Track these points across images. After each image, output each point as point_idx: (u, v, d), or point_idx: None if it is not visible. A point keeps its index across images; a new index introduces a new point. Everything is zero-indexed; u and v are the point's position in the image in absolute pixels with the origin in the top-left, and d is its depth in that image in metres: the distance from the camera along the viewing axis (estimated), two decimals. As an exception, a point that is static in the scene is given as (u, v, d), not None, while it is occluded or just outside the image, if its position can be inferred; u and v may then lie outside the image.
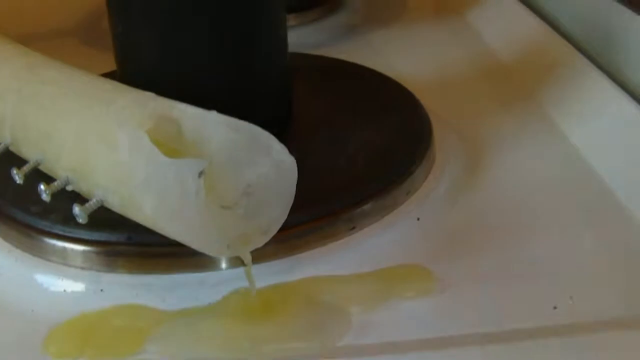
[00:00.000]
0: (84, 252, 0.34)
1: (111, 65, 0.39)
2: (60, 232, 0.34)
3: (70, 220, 0.32)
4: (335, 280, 0.33)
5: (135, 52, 0.38)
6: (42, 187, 0.33)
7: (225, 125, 0.30)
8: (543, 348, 0.29)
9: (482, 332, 0.30)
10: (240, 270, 0.32)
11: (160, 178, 0.29)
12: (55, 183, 0.33)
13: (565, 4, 0.55)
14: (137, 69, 0.38)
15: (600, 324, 0.29)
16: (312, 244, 0.34)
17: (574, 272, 0.32)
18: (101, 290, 0.33)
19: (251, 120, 0.30)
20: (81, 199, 0.32)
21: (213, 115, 0.30)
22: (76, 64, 0.36)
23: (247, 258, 0.31)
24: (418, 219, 0.36)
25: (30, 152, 0.35)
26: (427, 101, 0.43)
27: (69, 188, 0.33)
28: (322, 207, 0.34)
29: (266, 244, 0.31)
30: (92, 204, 0.32)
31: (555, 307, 0.30)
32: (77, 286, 0.33)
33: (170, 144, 0.30)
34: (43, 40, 0.59)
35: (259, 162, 0.30)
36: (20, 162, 0.35)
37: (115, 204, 0.32)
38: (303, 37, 0.57)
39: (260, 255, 0.31)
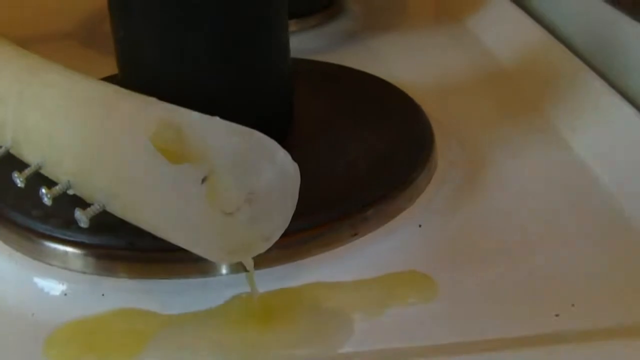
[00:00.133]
0: (85, 256, 0.34)
1: (112, 69, 0.39)
2: (62, 236, 0.34)
3: (72, 224, 0.33)
4: (337, 287, 0.33)
5: (137, 56, 0.38)
6: (43, 190, 0.33)
7: (228, 130, 0.30)
8: (545, 356, 0.29)
9: (484, 339, 0.30)
10: (242, 275, 0.32)
11: (162, 183, 0.29)
12: (57, 187, 0.33)
13: (566, 11, 0.55)
14: (138, 73, 0.38)
15: (602, 331, 0.29)
16: (314, 250, 0.34)
17: (576, 279, 0.32)
18: (102, 294, 0.33)
19: (252, 123, 0.30)
20: (83, 203, 0.32)
21: (216, 121, 0.30)
22: (77, 66, 0.36)
23: (249, 264, 0.31)
24: (420, 226, 0.36)
25: (32, 156, 0.35)
26: (428, 107, 0.43)
27: (71, 192, 0.33)
28: (324, 214, 0.34)
29: (268, 250, 0.31)
30: (93, 209, 0.32)
31: (557, 315, 0.30)
32: (78, 290, 0.33)
33: (173, 149, 0.30)
34: (44, 43, 0.59)
35: (262, 169, 0.30)
36: (21, 165, 0.35)
37: (117, 209, 0.32)
38: (304, 43, 0.57)
39: (262, 261, 0.31)
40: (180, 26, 0.36)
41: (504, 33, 0.56)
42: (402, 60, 0.55)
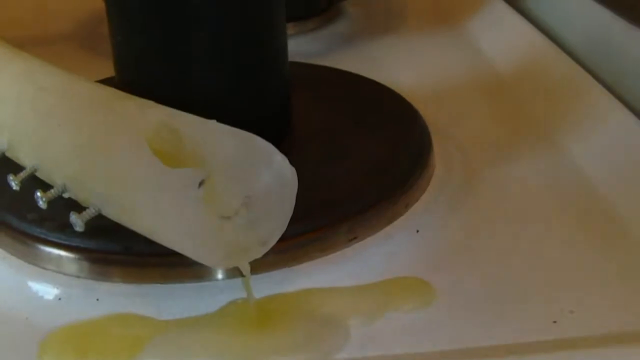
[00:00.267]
0: (79, 260, 0.33)
1: (110, 71, 0.39)
2: (56, 240, 0.34)
3: (67, 228, 0.32)
4: (333, 292, 0.32)
5: (135, 60, 0.38)
6: (38, 194, 0.32)
7: (226, 134, 0.30)
8: (543, 363, 0.29)
9: (482, 345, 0.29)
10: (238, 280, 0.32)
11: (159, 187, 0.29)
12: (52, 190, 0.33)
13: (564, 16, 0.55)
14: (136, 77, 0.38)
15: (601, 338, 0.29)
16: (310, 255, 0.34)
17: (574, 286, 0.32)
18: (97, 299, 0.33)
19: (249, 124, 0.30)
20: (78, 207, 0.32)
21: (213, 125, 0.30)
22: (74, 69, 0.36)
23: (246, 269, 0.31)
24: (417, 231, 0.36)
25: (27, 159, 0.34)
26: (425, 111, 0.43)
27: (66, 195, 0.33)
28: (321, 218, 0.34)
29: (265, 255, 0.30)
30: (89, 212, 0.31)
31: (555, 322, 0.30)
32: (73, 294, 0.33)
33: (170, 152, 0.30)
34: (41, 45, 0.59)
35: (260, 173, 0.29)
36: (17, 168, 0.34)
37: (113, 213, 0.31)
38: (301, 47, 0.57)
39: (258, 265, 0.31)
40: (179, 27, 0.36)
41: (502, 37, 0.56)
42: (400, 65, 0.55)
